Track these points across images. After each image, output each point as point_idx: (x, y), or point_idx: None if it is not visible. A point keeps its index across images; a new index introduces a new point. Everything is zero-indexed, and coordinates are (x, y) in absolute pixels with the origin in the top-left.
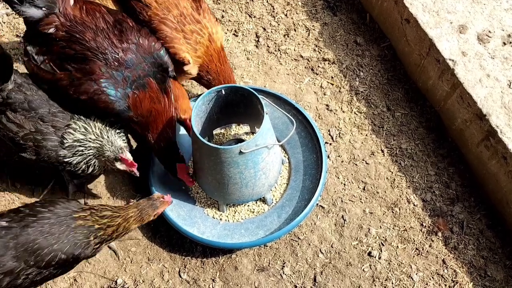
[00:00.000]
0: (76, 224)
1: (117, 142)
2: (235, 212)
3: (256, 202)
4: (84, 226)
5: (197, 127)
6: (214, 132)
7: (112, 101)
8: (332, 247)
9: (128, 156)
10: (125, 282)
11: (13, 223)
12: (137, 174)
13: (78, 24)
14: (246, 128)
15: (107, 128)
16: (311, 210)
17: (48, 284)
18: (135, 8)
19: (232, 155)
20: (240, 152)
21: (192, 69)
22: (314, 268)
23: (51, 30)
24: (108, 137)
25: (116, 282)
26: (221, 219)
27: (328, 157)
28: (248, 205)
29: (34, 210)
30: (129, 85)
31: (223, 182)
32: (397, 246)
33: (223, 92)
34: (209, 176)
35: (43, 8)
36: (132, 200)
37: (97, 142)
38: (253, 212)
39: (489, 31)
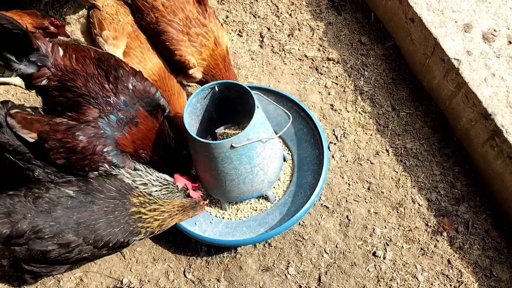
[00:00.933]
0: (132, 211)
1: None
2: (238, 210)
3: (259, 200)
4: (135, 218)
5: (191, 124)
6: (218, 132)
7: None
8: (337, 247)
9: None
10: (130, 282)
11: (80, 195)
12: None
13: (69, 72)
14: None
15: (152, 170)
16: (311, 206)
17: (55, 283)
18: (143, 9)
19: (224, 150)
20: (232, 147)
21: (197, 72)
22: (319, 268)
23: (44, 82)
24: (166, 179)
25: (121, 281)
26: (223, 217)
27: (333, 156)
28: (251, 203)
29: (103, 186)
30: (123, 127)
31: (220, 179)
32: (402, 246)
33: (217, 89)
34: (206, 173)
35: (38, 63)
36: None
37: (165, 190)
38: (255, 210)
39: (495, 30)
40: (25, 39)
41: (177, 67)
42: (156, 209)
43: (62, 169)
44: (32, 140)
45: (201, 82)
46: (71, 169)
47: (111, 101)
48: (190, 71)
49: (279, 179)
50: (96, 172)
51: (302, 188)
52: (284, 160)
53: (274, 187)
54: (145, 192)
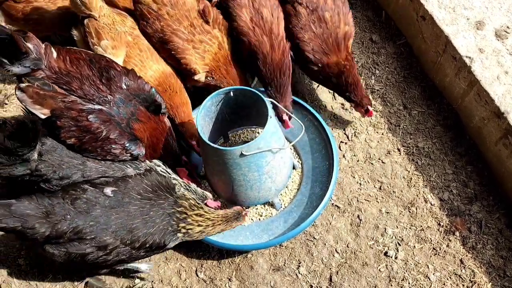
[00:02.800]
0: (173, 211)
1: (197, 189)
2: None
3: (265, 206)
4: (179, 217)
5: (203, 126)
6: (231, 134)
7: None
8: (348, 247)
9: (213, 202)
10: (143, 281)
11: (119, 195)
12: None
13: (64, 75)
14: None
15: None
16: (317, 217)
17: (70, 284)
18: (149, 16)
19: (234, 157)
20: (242, 154)
21: (202, 78)
22: (330, 268)
23: None
24: (188, 187)
25: (134, 281)
26: None
27: (344, 156)
28: (257, 208)
29: (140, 186)
30: (127, 123)
31: (228, 183)
32: (414, 246)
33: (232, 94)
34: (215, 176)
35: (31, 67)
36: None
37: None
38: (261, 216)
39: (508, 27)
40: (13, 42)
41: (182, 73)
42: (202, 215)
43: (72, 149)
44: (43, 117)
45: (207, 85)
46: (81, 151)
47: (108, 99)
48: (196, 77)
49: (286, 187)
50: (137, 170)
51: (309, 199)
52: (294, 168)
53: (281, 194)
54: (193, 193)
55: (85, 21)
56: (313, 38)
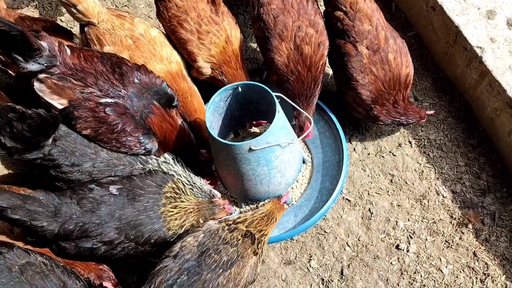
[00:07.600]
0: (161, 210)
1: (204, 186)
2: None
3: None
4: (163, 215)
5: (212, 122)
6: (240, 129)
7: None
8: (359, 240)
9: (221, 200)
10: None
11: (123, 193)
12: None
13: (79, 71)
14: None
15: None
16: (327, 210)
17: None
18: (160, 7)
19: (243, 152)
20: (250, 149)
21: (204, 68)
22: (341, 261)
23: None
24: (193, 181)
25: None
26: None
27: (354, 149)
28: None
29: (144, 182)
30: (140, 116)
31: (238, 178)
32: (426, 239)
33: (240, 89)
34: (224, 171)
35: (46, 65)
36: None
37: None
38: None
39: None
40: (25, 40)
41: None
42: (177, 206)
43: (87, 139)
44: (60, 107)
45: (211, 79)
46: (96, 141)
47: (122, 93)
48: (196, 65)
49: (296, 181)
50: (141, 167)
51: (319, 193)
52: (304, 162)
53: (291, 188)
54: (177, 183)
55: (85, 28)
56: (374, 81)
